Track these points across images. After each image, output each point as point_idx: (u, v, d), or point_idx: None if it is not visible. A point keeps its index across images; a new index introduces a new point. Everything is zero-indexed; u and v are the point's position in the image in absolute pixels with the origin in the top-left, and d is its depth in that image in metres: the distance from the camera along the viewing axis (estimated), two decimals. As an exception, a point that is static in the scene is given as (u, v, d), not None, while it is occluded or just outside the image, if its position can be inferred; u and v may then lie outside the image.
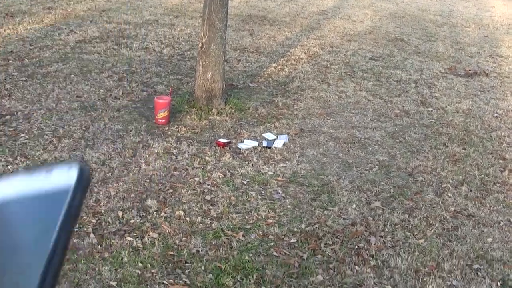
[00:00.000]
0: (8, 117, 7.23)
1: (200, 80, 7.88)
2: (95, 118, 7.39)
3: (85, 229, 5.07)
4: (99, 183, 5.84)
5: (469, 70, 11.51)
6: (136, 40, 11.06)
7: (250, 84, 9.22)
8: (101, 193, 5.65)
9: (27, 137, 6.70)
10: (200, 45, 7.81)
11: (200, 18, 8.05)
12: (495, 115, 9.11)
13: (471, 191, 6.53)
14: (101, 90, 8.39)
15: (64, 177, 0.98)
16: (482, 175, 6.95)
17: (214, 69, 7.82)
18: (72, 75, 8.88)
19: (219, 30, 7.73)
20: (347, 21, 15.22)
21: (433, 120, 8.57)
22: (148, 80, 8.98)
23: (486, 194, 6.51)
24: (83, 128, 7.06)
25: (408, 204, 6.07)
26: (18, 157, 6.20)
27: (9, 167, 5.98)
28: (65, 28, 11.52)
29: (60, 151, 6.40)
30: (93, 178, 5.89)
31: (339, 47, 12.18)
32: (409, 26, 15.55)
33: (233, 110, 7.94)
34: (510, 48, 14.26)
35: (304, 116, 8.14)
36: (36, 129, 6.93)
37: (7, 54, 9.63)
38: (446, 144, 7.75)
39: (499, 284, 4.93)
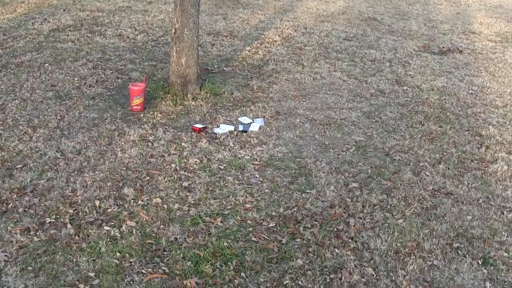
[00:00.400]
0: (-19, 109, 7.17)
1: (174, 65, 7.83)
2: (70, 107, 7.33)
3: (62, 220, 5.03)
4: (75, 172, 5.80)
5: (443, 48, 11.53)
6: (110, 28, 10.98)
7: (224, 68, 9.17)
8: (77, 182, 5.61)
9: (1, 128, 6.64)
10: (173, 31, 7.75)
11: (173, 4, 7.99)
12: (470, 91, 9.13)
13: (448, 169, 6.54)
14: (76, 79, 8.32)
15: None
16: (459, 153, 6.97)
17: (188, 55, 7.77)
18: (47, 64, 8.80)
19: (192, 16, 7.67)
20: (320, 2, 15.19)
21: (408, 99, 8.57)
22: (123, 67, 8.92)
23: (464, 171, 6.53)
24: (58, 117, 7.00)
25: (386, 184, 6.08)
26: (-7, 149, 6.17)
27: (-17, 160, 5.94)
28: (39, 17, 11.42)
29: (36, 141, 6.35)
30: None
31: (313, 28, 12.15)
32: (382, 5, 15.55)
33: (208, 95, 7.90)
34: (482, 25, 14.30)
35: (280, 99, 8.12)
36: (10, 119, 6.87)
37: (-21, 44, 9.55)
38: (422, 122, 7.76)
39: (480, 262, 4.94)
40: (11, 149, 6.16)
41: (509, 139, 7.47)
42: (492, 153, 7.03)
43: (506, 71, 10.42)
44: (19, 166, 5.85)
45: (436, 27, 13.46)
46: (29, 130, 6.62)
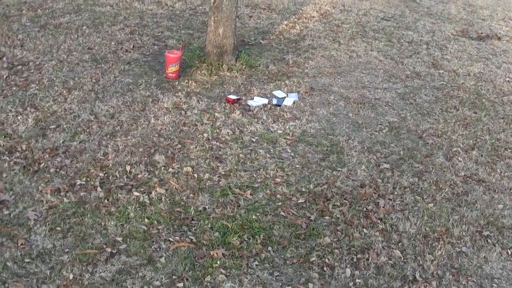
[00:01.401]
0: (19, 67, 7.19)
1: (211, 35, 7.82)
2: (106, 70, 7.35)
3: (92, 183, 5.06)
4: (108, 136, 5.82)
5: (481, 33, 11.40)
6: (148, -7, 10.98)
7: (261, 41, 9.14)
8: (109, 146, 5.63)
9: (37, 88, 6.68)
10: (212, 0, 7.72)
11: (212, -28, 7.94)
12: (507, 79, 9.04)
13: (481, 156, 6.49)
14: (112, 43, 8.33)
15: None
16: (493, 140, 6.91)
17: (225, 25, 7.75)
18: (84, 27, 8.81)
19: (231, -15, 7.66)
20: (360, -21, 15.06)
21: (444, 83, 8.50)
22: (160, 34, 8.91)
23: (497, 159, 6.47)
24: (94, 80, 7.02)
25: (418, 167, 6.04)
26: (28, 108, 6.19)
27: (19, 117, 5.96)
28: (78, -22, 11.43)
29: (70, 103, 6.38)
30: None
31: (351, 6, 12.05)
32: (422, -14, 15.39)
33: (244, 67, 7.88)
34: (523, 12, 14.12)
35: (315, 75, 8.08)
36: (46, 80, 6.90)
37: (21, 4, 9.58)
38: (457, 107, 7.70)
39: (509, 252, 4.91)
40: (46, 109, 6.20)
41: (544, 129, 7.40)
42: (527, 141, 6.97)
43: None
44: (52, 126, 5.88)
45: (476, 12, 13.31)
46: (64, 91, 6.65)
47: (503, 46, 10.75)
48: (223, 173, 5.46)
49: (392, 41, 10.02)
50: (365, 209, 5.19)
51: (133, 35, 8.71)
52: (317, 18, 10.76)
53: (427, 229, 5.03)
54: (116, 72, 7.32)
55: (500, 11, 13.77)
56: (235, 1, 7.78)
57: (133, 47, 8.26)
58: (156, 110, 6.45)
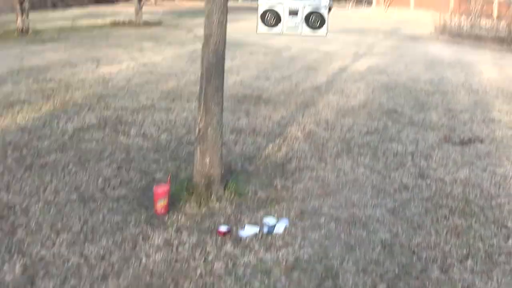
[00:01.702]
0: (5, 211, 7.21)
1: (198, 166, 7.89)
2: (94, 209, 7.36)
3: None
4: (99, 279, 5.78)
5: (464, 138, 11.54)
6: (134, 126, 11.12)
7: (248, 167, 9.21)
8: (102, 291, 5.60)
9: (25, 232, 6.67)
10: (197, 130, 7.83)
11: (196, 101, 8.09)
12: (493, 182, 9.10)
13: (477, 264, 6.46)
14: (100, 180, 8.38)
15: None
16: (487, 247, 6.89)
17: (212, 154, 7.83)
18: (71, 165, 8.89)
19: (215, 115, 7.76)
20: (341, 95, 15.30)
21: (432, 193, 8.54)
22: (147, 168, 8.98)
23: (492, 266, 6.44)
24: (82, 221, 7.02)
25: (415, 283, 6.01)
26: (15, 254, 6.16)
27: (5, 266, 5.93)
28: (63, 116, 11.61)
29: (59, 247, 6.36)
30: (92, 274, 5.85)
31: (334, 123, 12.22)
32: (402, 96, 15.64)
33: (233, 195, 7.91)
34: (501, 112, 14.33)
35: (304, 198, 8.11)
36: (34, 223, 6.90)
37: (6, 145, 9.68)
38: (447, 216, 7.71)
39: None
40: (34, 255, 6.17)
41: (537, 230, 7.42)
42: (520, 246, 6.97)
43: (528, 160, 10.40)
44: (41, 273, 5.85)
45: (456, 117, 13.50)
46: (53, 234, 6.63)
47: (486, 149, 10.87)
48: (219, 308, 5.42)
49: (377, 155, 10.12)
50: (364, 334, 5.14)
51: (120, 171, 8.78)
52: (301, 139, 10.88)
53: None
54: (105, 211, 7.33)
55: (480, 113, 13.98)
56: (219, 129, 7.89)
57: (120, 183, 8.30)
58: (147, 248, 6.43)
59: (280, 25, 7.53)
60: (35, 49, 21.52)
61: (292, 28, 7.51)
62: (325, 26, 7.49)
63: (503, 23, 37.92)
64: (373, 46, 28.51)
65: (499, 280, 6.15)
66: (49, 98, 13.20)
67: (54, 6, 57.13)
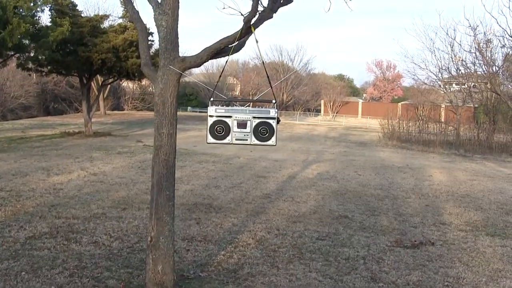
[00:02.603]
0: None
1: (151, 273, 7.87)
2: (46, 322, 7.28)
3: None
4: None
5: (415, 241, 11.68)
6: (85, 235, 11.05)
7: (200, 274, 9.18)
8: None
9: None
10: (149, 239, 7.85)
11: (147, 210, 8.13)
12: (446, 284, 9.20)
13: None
14: (52, 287, 8.28)
15: None
16: None
17: (164, 262, 7.83)
18: (23, 273, 8.78)
19: (167, 223, 7.81)
20: (291, 202, 15.46)
21: (385, 300, 8.60)
22: (99, 275, 8.90)
23: None
24: (35, 332, 6.93)
25: None
26: None
27: None
28: (15, 225, 11.51)
29: None
30: None
31: (285, 229, 12.29)
32: (352, 202, 15.85)
33: (185, 307, 7.89)
34: (452, 215, 14.59)
35: (257, 305, 8.11)
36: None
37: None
38: (401, 324, 7.76)
39: None
40: None
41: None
42: None
43: (479, 260, 10.55)
44: None
45: (407, 221, 13.69)
46: None
47: (438, 251, 11.01)
48: None
49: (329, 260, 10.18)
50: None
51: (72, 278, 8.69)
52: (253, 245, 10.91)
53: None
54: (57, 322, 7.25)
55: (430, 217, 14.22)
56: (171, 238, 7.92)
57: (73, 291, 8.23)
58: None
59: (229, 136, 7.65)
60: (-15, 160, 21.47)
61: (241, 140, 7.64)
62: (274, 136, 7.64)
63: (450, 128, 38.88)
64: (322, 153, 28.93)
65: None
66: (0, 207, 13.10)
67: (4, 117, 57.18)
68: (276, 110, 7.72)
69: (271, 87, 7.77)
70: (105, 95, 64.58)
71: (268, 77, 8.61)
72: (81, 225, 11.79)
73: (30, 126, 36.14)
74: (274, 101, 7.70)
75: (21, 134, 31.23)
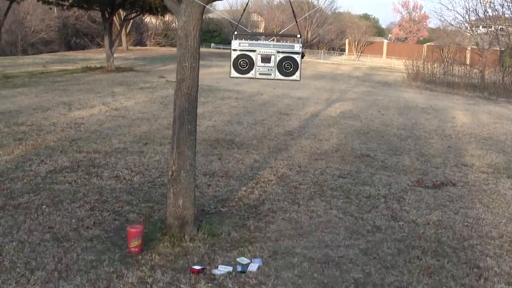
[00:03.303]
0: (-21, 252, 7.16)
1: (171, 207, 7.89)
2: (68, 249, 7.32)
3: None
4: (73, 318, 5.75)
5: (436, 181, 11.66)
6: (107, 169, 11.10)
7: (221, 209, 9.23)
8: (76, 328, 5.57)
9: (-1, 271, 6.63)
10: (170, 173, 7.85)
11: (169, 145, 8.12)
12: (466, 224, 9.19)
13: (448, 303, 6.51)
14: (73, 220, 8.34)
15: None
16: (459, 286, 6.94)
17: (185, 196, 7.84)
18: (44, 206, 8.85)
19: (188, 158, 7.80)
20: (313, 140, 15.44)
21: (405, 234, 8.60)
22: (120, 209, 8.96)
23: (464, 305, 6.50)
24: (56, 259, 6.97)
25: (387, 321, 6.04)
26: (-10, 293, 6.13)
27: (-20, 306, 5.90)
28: (36, 159, 11.56)
29: (33, 284, 6.31)
30: None
31: (307, 166, 12.30)
32: (374, 141, 15.81)
33: (206, 236, 7.91)
34: (473, 157, 14.53)
35: (277, 238, 8.13)
36: (8, 262, 6.84)
37: (-23, 190, 9.61)
38: (420, 257, 7.76)
39: None
40: (8, 293, 6.14)
41: (507, 270, 7.48)
42: (492, 285, 7.01)
43: (499, 202, 10.53)
44: (17, 312, 5.81)
45: (429, 161, 13.65)
46: (27, 272, 6.58)
47: (459, 192, 11.00)
48: None
49: (350, 198, 10.19)
50: None
51: (93, 211, 8.75)
52: (274, 182, 10.93)
53: None
54: (79, 250, 7.29)
55: (452, 158, 14.16)
56: (192, 172, 7.91)
57: (94, 223, 8.27)
58: (122, 286, 6.40)
59: (253, 70, 7.58)
60: (6, 94, 21.53)
61: (265, 74, 7.57)
62: (298, 71, 7.56)
63: (475, 71, 38.47)
64: (346, 92, 28.79)
65: (471, 319, 6.20)
66: (21, 141, 13.17)
67: (24, 51, 57.11)
68: (301, 45, 7.63)
69: (296, 22, 7.67)
70: (127, 31, 64.31)
71: (293, 11, 8.55)
72: (102, 160, 11.84)
73: (51, 61, 36.09)
74: (299, 36, 7.61)
75: (42, 68, 31.23)
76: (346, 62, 61.15)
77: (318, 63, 53.47)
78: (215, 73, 25.93)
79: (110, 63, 33.84)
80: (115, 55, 35.22)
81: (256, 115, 19.25)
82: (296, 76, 7.61)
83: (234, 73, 7.63)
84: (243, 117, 18.64)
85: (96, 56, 40.69)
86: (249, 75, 7.60)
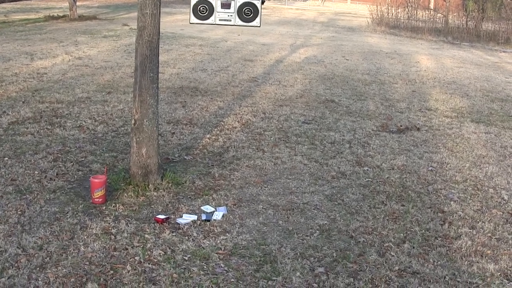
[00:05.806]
0: None
1: (135, 156, 7.84)
2: (31, 201, 7.25)
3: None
4: (37, 269, 5.69)
5: (401, 126, 11.70)
6: (70, 119, 10.97)
7: (185, 157, 9.19)
8: (39, 279, 5.51)
9: (-41, 226, 6.55)
10: (133, 121, 7.78)
11: (132, 94, 8.04)
12: (430, 168, 9.25)
13: (413, 247, 6.55)
14: (36, 172, 8.25)
15: None
16: (423, 231, 7.00)
17: (148, 145, 7.78)
18: (6, 158, 8.73)
19: (151, 106, 7.72)
20: (278, 86, 15.39)
21: (369, 179, 8.64)
22: (83, 159, 8.88)
23: (428, 249, 6.54)
24: (19, 212, 6.90)
25: (352, 267, 6.06)
26: (-48, 247, 6.06)
27: None
28: (-3, 110, 11.40)
29: (-5, 238, 6.26)
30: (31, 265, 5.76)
31: (272, 113, 12.27)
32: (339, 87, 15.80)
33: (170, 185, 7.88)
34: (438, 101, 14.59)
35: (242, 186, 8.12)
36: (-30, 215, 6.78)
37: None
38: (385, 202, 7.81)
39: None
40: (-29, 247, 6.07)
41: (471, 214, 7.55)
42: (456, 229, 7.07)
43: (463, 146, 10.61)
44: (-22, 265, 5.75)
45: (393, 106, 13.70)
46: (-11, 227, 6.53)
47: (423, 137, 11.05)
48: (158, 295, 5.39)
49: (315, 144, 10.19)
50: (303, 316, 5.17)
51: (56, 162, 8.66)
52: (239, 129, 10.90)
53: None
54: (42, 202, 7.22)
55: (416, 102, 14.23)
56: (155, 120, 7.85)
57: (57, 174, 8.19)
58: (85, 237, 6.36)
59: (212, 16, 7.51)
60: (-34, 44, 21.16)
61: (225, 20, 7.51)
62: (258, 17, 7.50)
63: (439, 15, 38.52)
64: (310, 38, 28.70)
65: (435, 262, 6.25)
66: (-18, 92, 12.97)
67: (-14, 1, 56.11)
68: (261, -10, 7.56)
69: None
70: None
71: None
72: (65, 110, 11.70)
73: (13, 10, 35.46)
74: (259, -19, 7.53)
75: (3, 18, 30.69)
76: (311, 7, 60.83)
77: (282, 9, 53.11)
78: (179, 20, 25.70)
79: (73, 11, 33.31)
80: (78, 3, 34.66)
81: (220, 62, 19.12)
82: (256, 22, 7.56)
83: (193, 19, 7.55)
84: (207, 64, 18.51)
85: (59, 4, 40.07)
86: (209, 21, 7.53)
